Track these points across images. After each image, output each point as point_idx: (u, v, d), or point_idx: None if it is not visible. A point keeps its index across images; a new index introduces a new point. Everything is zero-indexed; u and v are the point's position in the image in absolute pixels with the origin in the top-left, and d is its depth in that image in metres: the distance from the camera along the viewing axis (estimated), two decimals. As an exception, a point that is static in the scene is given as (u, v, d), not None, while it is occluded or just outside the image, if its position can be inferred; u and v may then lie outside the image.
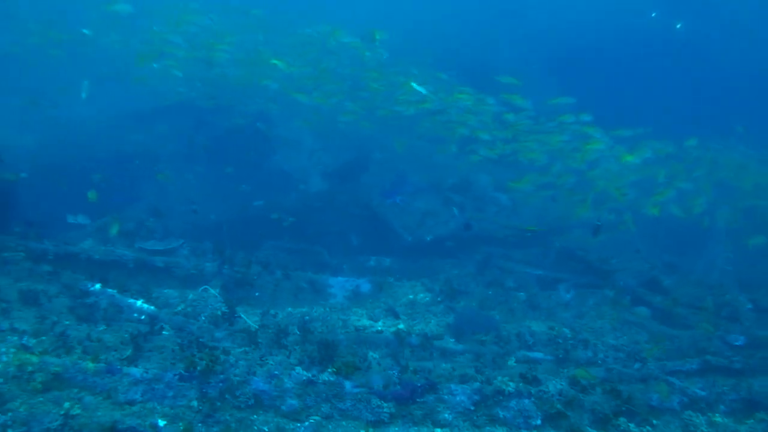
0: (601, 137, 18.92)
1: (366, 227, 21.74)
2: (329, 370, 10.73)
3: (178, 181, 22.61)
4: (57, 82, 25.26)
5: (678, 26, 40.97)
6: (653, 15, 41.96)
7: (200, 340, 12.04)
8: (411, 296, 17.00)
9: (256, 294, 16.16)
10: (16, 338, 10.71)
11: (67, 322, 12.36)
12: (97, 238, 16.96)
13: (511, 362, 13.41)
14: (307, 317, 14.84)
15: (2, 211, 15.27)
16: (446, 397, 10.76)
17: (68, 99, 24.04)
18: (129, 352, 10.92)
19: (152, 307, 13.47)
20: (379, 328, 14.47)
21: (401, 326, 14.76)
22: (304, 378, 10.45)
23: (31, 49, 25.22)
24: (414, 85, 20.31)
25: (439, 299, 16.84)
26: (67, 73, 26.03)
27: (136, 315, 13.29)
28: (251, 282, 16.19)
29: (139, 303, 13.46)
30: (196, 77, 23.41)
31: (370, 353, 12.80)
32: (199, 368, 9.88)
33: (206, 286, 15.12)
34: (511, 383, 11.07)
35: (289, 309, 15.71)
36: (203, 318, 13.61)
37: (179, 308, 14.09)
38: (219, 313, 13.69)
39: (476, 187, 23.30)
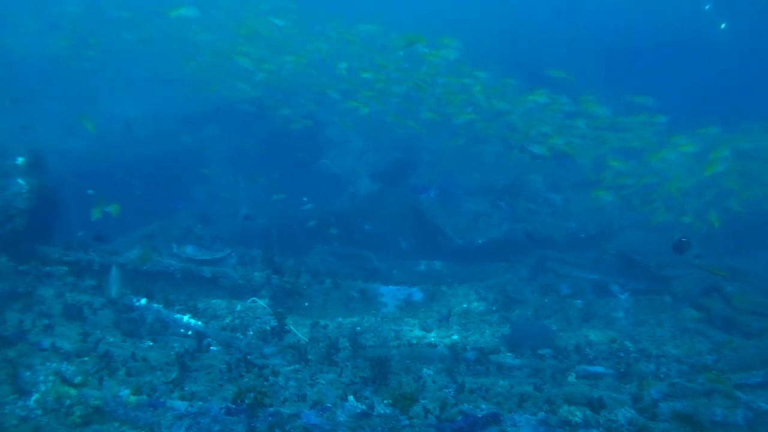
0: (684, 139, 18.42)
1: (415, 230, 21.35)
2: (385, 401, 10.20)
3: (225, 184, 22.43)
4: (101, 84, 25.26)
5: (722, 26, 40.18)
6: (707, 8, 41.12)
7: (248, 357, 11.64)
8: (465, 305, 16.42)
9: (306, 304, 15.73)
10: (55, 365, 10.21)
11: (111, 339, 12.03)
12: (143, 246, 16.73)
13: (571, 378, 12.76)
14: (358, 328, 14.44)
15: (46, 221, 15.00)
16: (509, 429, 10.14)
17: (112, 102, 24.00)
18: (174, 374, 10.53)
19: (199, 323, 13.03)
20: (433, 340, 13.97)
21: (455, 337, 14.28)
22: (358, 411, 9.92)
23: (76, 52, 25.13)
24: (494, 101, 19.97)
25: (493, 308, 16.27)
26: (112, 75, 26.01)
27: (182, 330, 12.92)
28: (300, 292, 15.73)
29: (185, 318, 13.07)
30: (250, 80, 23.05)
31: (425, 369, 12.32)
32: (247, 401, 9.40)
33: (254, 298, 14.77)
34: (578, 413, 10.41)
35: (339, 319, 15.28)
36: (251, 333, 13.19)
37: (227, 321, 13.74)
38: (268, 327, 13.29)
39: (529, 188, 22.69)
